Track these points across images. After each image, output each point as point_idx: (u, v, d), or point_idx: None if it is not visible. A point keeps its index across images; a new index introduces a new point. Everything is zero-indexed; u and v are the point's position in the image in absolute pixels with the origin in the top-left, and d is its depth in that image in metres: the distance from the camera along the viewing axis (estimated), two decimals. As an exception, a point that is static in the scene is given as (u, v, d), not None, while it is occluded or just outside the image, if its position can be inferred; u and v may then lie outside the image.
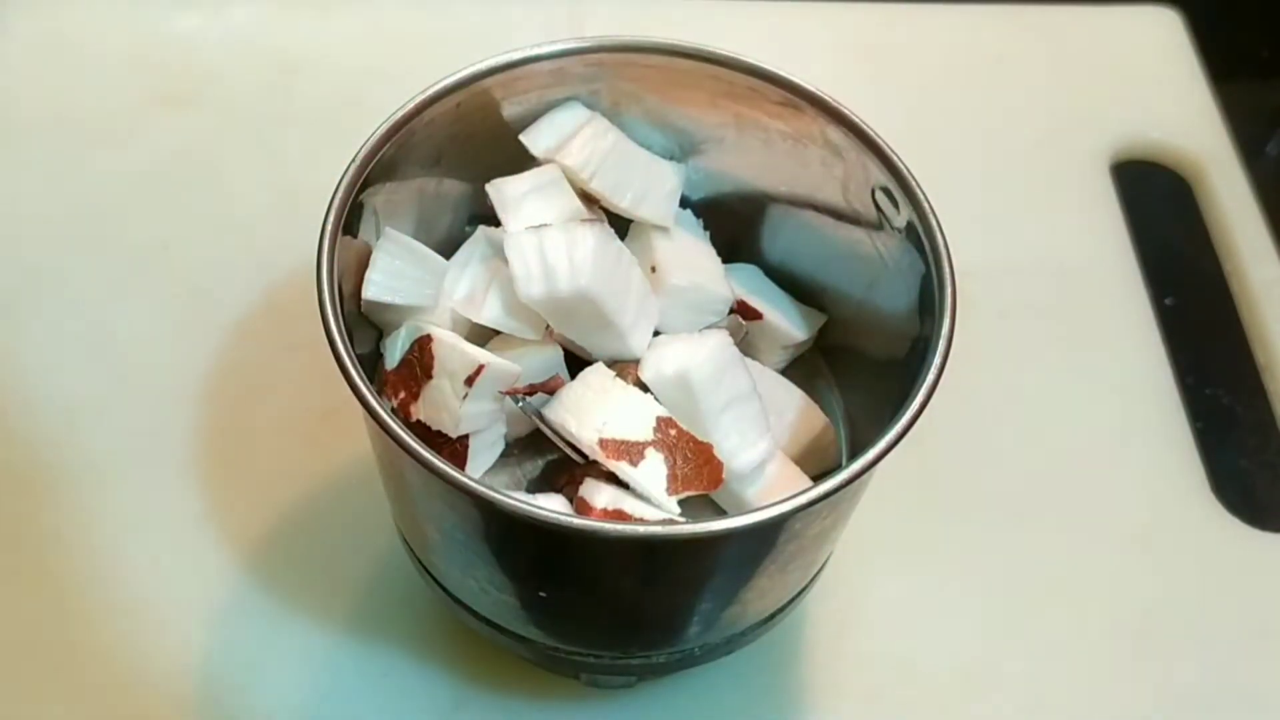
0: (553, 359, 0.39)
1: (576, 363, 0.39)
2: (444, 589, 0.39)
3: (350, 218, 0.36)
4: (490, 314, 0.38)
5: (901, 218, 0.37)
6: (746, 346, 0.41)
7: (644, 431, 0.36)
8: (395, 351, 0.38)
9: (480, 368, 0.36)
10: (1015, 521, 0.47)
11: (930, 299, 0.35)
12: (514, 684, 0.42)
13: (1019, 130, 0.60)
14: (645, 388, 0.37)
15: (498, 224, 0.39)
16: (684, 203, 0.42)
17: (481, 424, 0.37)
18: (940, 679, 0.44)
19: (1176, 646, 0.45)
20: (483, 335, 0.39)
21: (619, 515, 0.35)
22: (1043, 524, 0.47)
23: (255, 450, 0.47)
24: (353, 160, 0.36)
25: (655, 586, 0.36)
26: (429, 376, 0.36)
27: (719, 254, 0.42)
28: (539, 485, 0.39)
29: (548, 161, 0.40)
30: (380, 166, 0.37)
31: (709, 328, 0.40)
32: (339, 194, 0.35)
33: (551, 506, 0.32)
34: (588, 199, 0.40)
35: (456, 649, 0.43)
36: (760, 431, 0.37)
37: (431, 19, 0.61)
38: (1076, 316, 0.53)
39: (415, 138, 0.37)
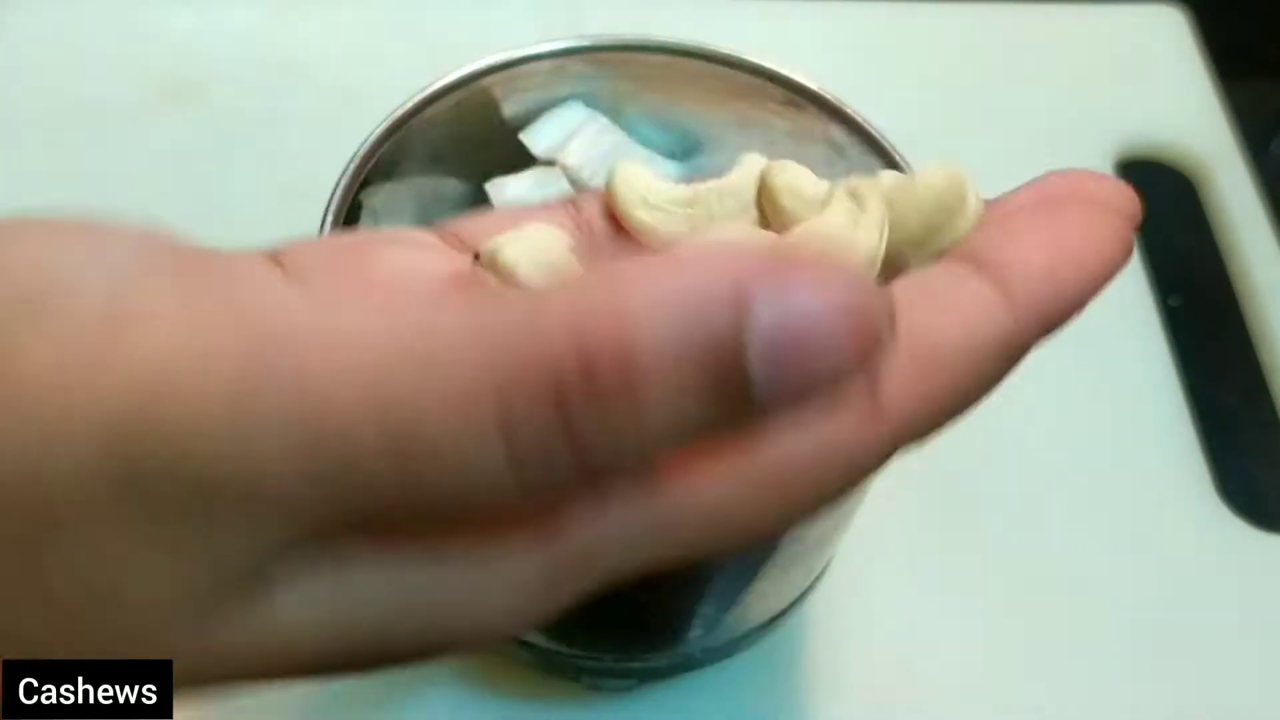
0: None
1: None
2: (443, 591, 0.39)
3: (349, 217, 0.35)
4: (490, 314, 0.38)
5: (904, 218, 0.37)
6: (748, 347, 0.41)
7: (645, 433, 0.35)
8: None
9: (480, 368, 0.35)
10: (1018, 523, 0.47)
11: (933, 299, 0.35)
12: (514, 687, 0.42)
13: (1022, 129, 0.59)
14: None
15: (498, 224, 0.39)
16: (685, 202, 0.42)
17: (481, 425, 0.37)
18: (942, 682, 0.43)
19: (1181, 647, 0.45)
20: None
21: (619, 517, 0.34)
22: (1046, 526, 0.47)
23: (254, 451, 0.47)
24: (351, 159, 0.36)
25: (656, 589, 0.35)
26: (428, 377, 0.36)
27: (720, 254, 0.42)
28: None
29: (548, 161, 0.40)
30: (379, 166, 0.36)
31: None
32: (337, 193, 0.35)
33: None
34: (588, 199, 0.40)
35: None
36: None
37: (432, 18, 0.61)
38: (1079, 317, 0.53)
39: (415, 137, 0.37)
